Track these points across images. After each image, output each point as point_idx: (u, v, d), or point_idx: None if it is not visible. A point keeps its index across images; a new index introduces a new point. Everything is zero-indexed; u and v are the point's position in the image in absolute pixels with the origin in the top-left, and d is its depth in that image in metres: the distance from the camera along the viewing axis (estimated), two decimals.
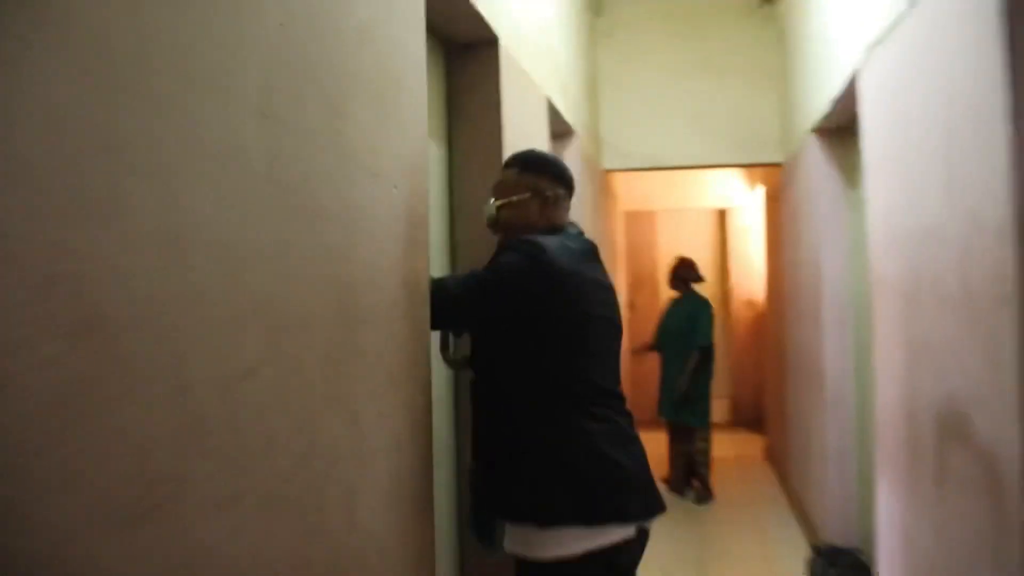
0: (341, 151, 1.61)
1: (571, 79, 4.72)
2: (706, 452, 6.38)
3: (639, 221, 9.32)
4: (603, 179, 6.36)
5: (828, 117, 4.46)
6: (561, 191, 2.37)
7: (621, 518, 2.08)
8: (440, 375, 2.68)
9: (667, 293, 8.85)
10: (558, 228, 2.33)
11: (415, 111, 2.02)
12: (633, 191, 8.82)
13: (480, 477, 2.24)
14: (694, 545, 5.28)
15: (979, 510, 2.26)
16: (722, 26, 6.33)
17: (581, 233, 2.40)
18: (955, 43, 2.37)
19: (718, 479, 6.89)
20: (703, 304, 6.40)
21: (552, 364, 2.14)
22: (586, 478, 2.07)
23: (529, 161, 2.38)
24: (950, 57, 2.41)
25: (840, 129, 4.67)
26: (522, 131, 3.35)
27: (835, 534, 4.72)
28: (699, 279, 6.58)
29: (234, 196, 1.26)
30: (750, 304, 8.95)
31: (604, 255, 6.38)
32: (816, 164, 4.89)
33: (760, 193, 8.18)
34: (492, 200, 2.36)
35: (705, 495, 6.34)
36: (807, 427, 5.45)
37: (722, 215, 9.44)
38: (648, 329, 8.78)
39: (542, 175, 2.35)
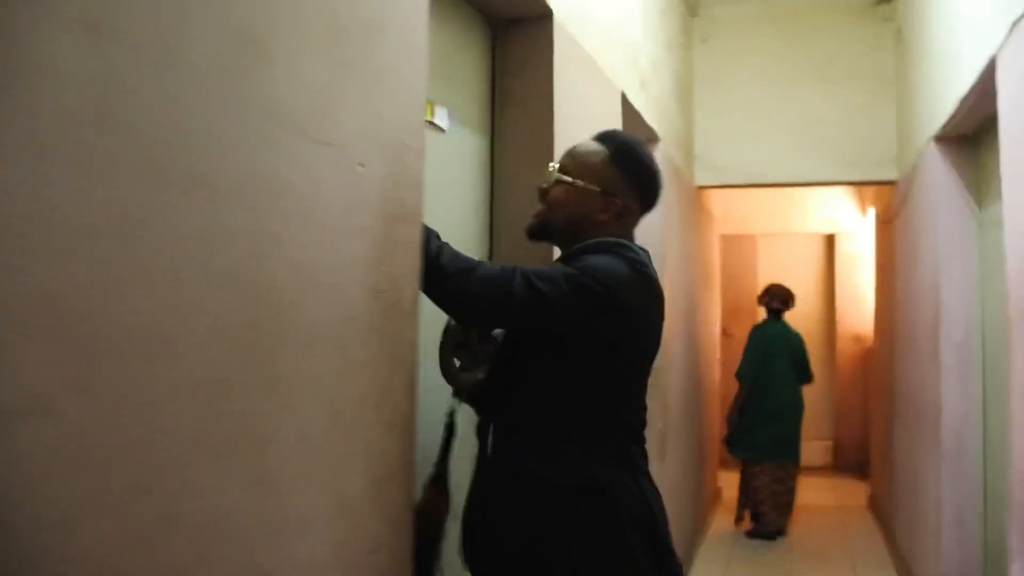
0: (254, 103, 1.13)
1: (655, 78, 4.17)
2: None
3: (738, 245, 8.66)
4: (695, 197, 5.77)
5: (953, 121, 3.80)
6: (635, 207, 1.85)
7: None
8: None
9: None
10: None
11: (405, 70, 1.53)
12: (732, 213, 8.16)
13: (478, 521, 1.77)
14: None
15: None
16: (832, 28, 5.67)
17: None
18: None
19: (813, 530, 6.19)
20: (797, 333, 6.18)
21: (619, 398, 1.75)
22: (653, 533, 1.73)
23: (627, 154, 1.85)
24: None
25: (967, 137, 3.99)
26: (584, 126, 2.83)
27: None
28: (788, 307, 6.28)
29: (27, 144, 0.80)
30: (858, 339, 8.17)
31: (697, 280, 5.88)
32: (937, 178, 4.21)
33: (871, 216, 7.44)
34: (555, 166, 1.85)
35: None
36: (917, 480, 4.73)
37: (829, 241, 8.70)
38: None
39: (627, 177, 1.82)
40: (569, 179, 1.80)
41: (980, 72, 3.13)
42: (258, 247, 1.14)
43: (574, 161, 1.83)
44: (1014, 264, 2.74)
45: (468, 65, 2.39)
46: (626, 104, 3.50)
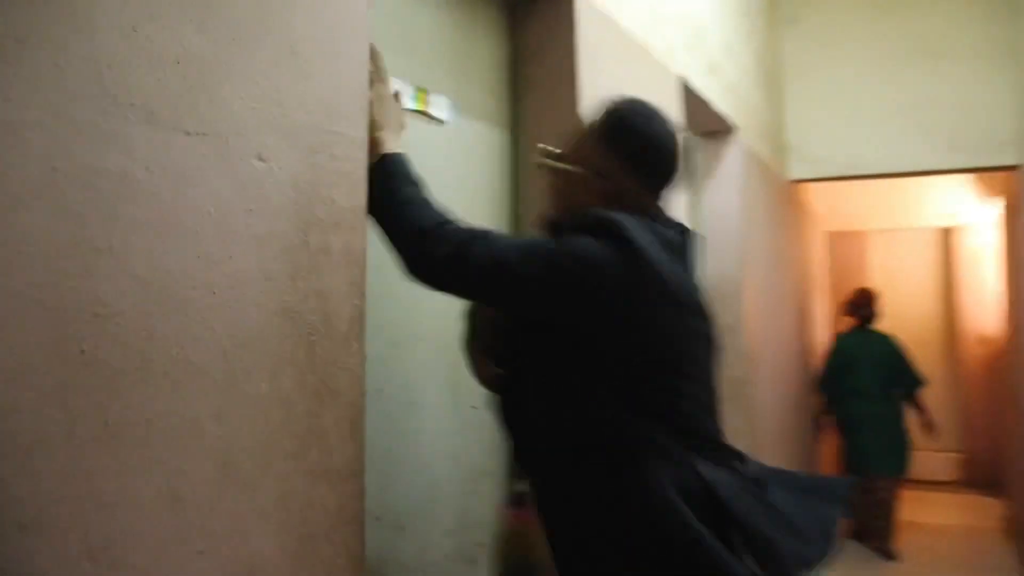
0: (82, 82, 0.88)
1: (729, 62, 3.79)
2: None
3: (845, 243, 8.05)
4: (788, 191, 5.32)
5: None
6: (636, 186, 1.47)
7: None
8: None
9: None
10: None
11: (332, 38, 1.26)
12: (838, 209, 7.60)
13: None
14: None
15: None
16: (937, 0, 5.14)
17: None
18: None
19: (934, 554, 5.64)
20: (884, 338, 5.69)
21: (623, 404, 1.35)
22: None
23: (616, 126, 1.50)
24: None
25: None
26: None
27: None
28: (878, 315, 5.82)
29: None
30: (984, 340, 7.47)
31: (793, 282, 5.42)
32: None
33: (997, 205, 6.78)
34: (563, 164, 1.52)
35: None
36: None
37: (947, 235, 8.01)
38: None
39: (617, 152, 1.47)
40: (549, 161, 1.51)
41: None
42: (79, 262, 0.89)
43: (566, 144, 1.53)
44: None
45: (480, 50, 2.11)
46: (688, 91, 3.14)
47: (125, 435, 0.94)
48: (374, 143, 1.47)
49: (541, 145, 1.52)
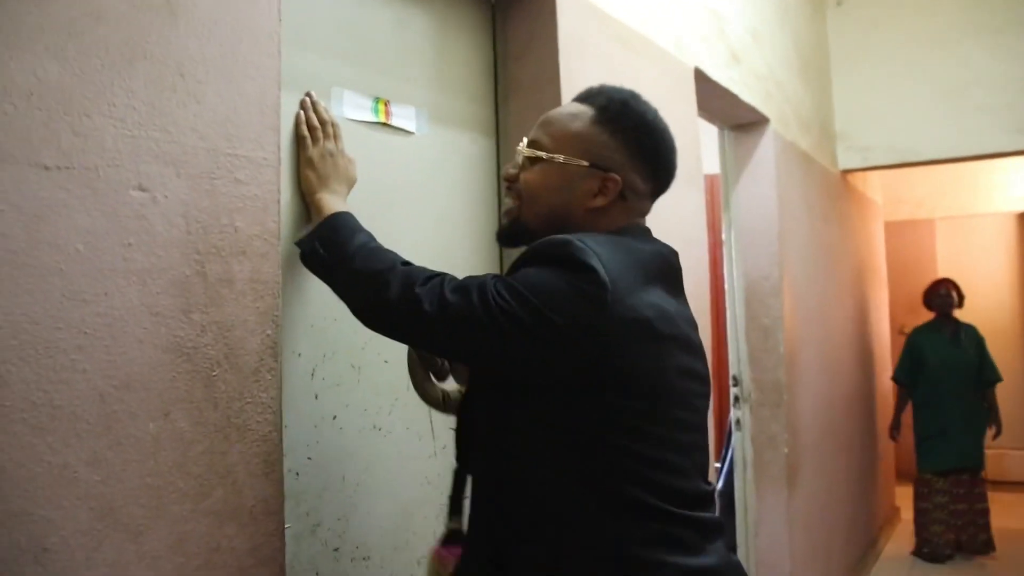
0: None
1: (756, 49, 3.62)
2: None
3: (911, 232, 7.71)
4: (838, 182, 5.11)
5: None
6: (641, 182, 1.33)
7: None
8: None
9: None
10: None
11: (233, 52, 1.20)
12: (900, 196, 7.30)
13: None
14: None
15: None
16: None
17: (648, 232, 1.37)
18: None
19: (1016, 559, 5.36)
20: (979, 334, 5.55)
21: (603, 457, 1.18)
22: None
23: (618, 110, 1.32)
24: None
25: None
26: None
27: None
28: (961, 304, 5.63)
29: None
30: None
31: (855, 276, 5.19)
32: None
33: None
34: (524, 141, 1.37)
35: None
36: None
37: (1023, 220, 7.63)
38: None
39: (624, 141, 1.30)
40: (544, 154, 1.32)
41: None
42: None
43: (549, 131, 1.34)
44: None
45: (457, 53, 2.03)
46: (706, 82, 3.01)
47: None
48: (317, 205, 1.42)
49: (521, 145, 1.36)
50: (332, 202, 1.42)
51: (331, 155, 1.49)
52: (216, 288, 1.15)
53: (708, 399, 1.34)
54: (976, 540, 5.31)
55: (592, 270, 1.14)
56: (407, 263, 1.28)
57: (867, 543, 5.27)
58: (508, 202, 1.39)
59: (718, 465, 3.73)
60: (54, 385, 0.97)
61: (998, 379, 5.45)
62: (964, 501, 5.31)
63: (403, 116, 1.83)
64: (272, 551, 1.21)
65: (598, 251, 1.17)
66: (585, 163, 1.29)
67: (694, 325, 1.33)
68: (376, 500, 1.66)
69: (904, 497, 6.51)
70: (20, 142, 0.95)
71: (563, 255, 1.17)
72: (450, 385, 1.56)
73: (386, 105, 1.79)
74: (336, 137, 1.52)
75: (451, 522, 1.47)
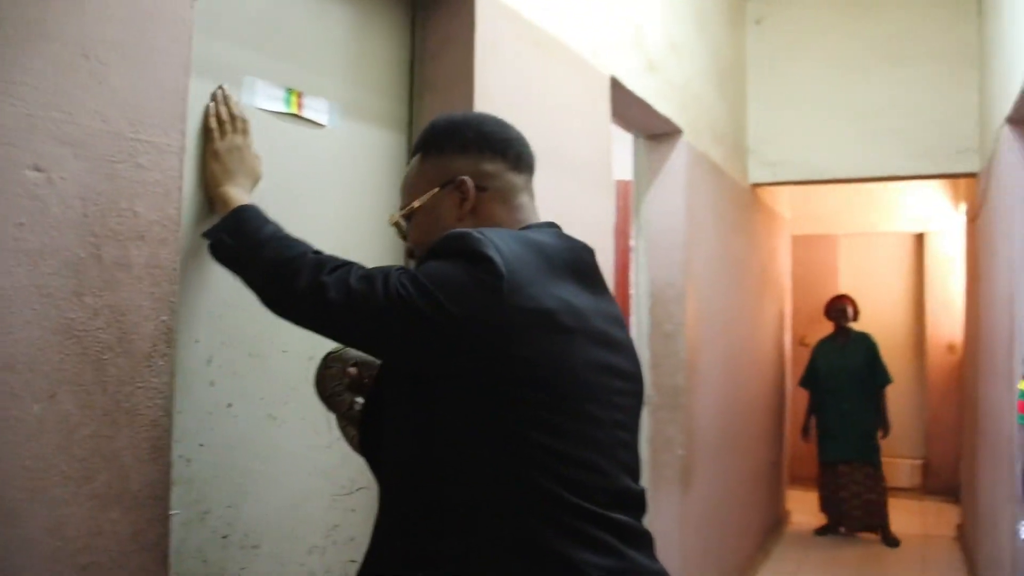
0: None
1: (674, 60, 3.71)
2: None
3: (815, 247, 7.99)
4: (747, 195, 5.26)
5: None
6: (508, 173, 1.39)
7: None
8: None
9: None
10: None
11: (139, 44, 1.19)
12: (807, 212, 7.53)
13: None
14: None
15: None
16: (905, 2, 5.07)
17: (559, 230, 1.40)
18: None
19: (888, 563, 5.63)
20: (871, 341, 6.28)
21: (512, 449, 1.19)
22: None
23: (432, 134, 1.43)
24: None
25: None
26: (544, 115, 2.45)
27: None
28: (856, 317, 6.40)
29: None
30: (952, 348, 7.43)
31: (751, 287, 5.37)
32: (1013, 167, 3.64)
33: (962, 212, 6.74)
34: (395, 216, 1.45)
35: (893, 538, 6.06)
36: (996, 516, 4.13)
37: (920, 240, 7.96)
38: None
39: (452, 148, 1.39)
40: (405, 210, 1.41)
41: None
42: None
43: (406, 192, 1.44)
44: None
45: (375, 50, 2.04)
46: (622, 91, 3.07)
47: None
48: (222, 198, 1.43)
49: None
50: (238, 195, 1.43)
51: (238, 149, 1.50)
52: (112, 272, 1.15)
53: (637, 397, 1.36)
54: (872, 523, 6.02)
55: (489, 260, 1.17)
56: (317, 252, 1.29)
57: (757, 544, 5.45)
58: (403, 231, 1.45)
59: None
60: None
61: (888, 381, 6.16)
62: (857, 489, 6.02)
63: (315, 108, 1.83)
64: (156, 536, 1.21)
65: (497, 242, 1.19)
66: (436, 189, 1.37)
67: (618, 322, 1.35)
68: (268, 489, 1.67)
69: (794, 500, 6.77)
70: None
71: (462, 247, 1.20)
72: (346, 401, 1.56)
73: (299, 97, 1.79)
74: (244, 132, 1.53)
75: None
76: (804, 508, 6.66)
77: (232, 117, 1.51)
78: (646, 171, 3.89)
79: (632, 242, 3.95)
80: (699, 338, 4.03)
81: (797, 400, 6.78)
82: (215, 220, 1.39)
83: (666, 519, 3.73)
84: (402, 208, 1.42)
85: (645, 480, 3.71)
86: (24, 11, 1.05)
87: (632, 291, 3.94)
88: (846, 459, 6.02)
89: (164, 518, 1.23)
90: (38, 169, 1.06)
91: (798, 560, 5.63)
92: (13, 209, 1.03)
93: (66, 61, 1.10)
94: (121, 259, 1.16)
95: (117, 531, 1.16)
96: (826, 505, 6.19)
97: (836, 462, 6.06)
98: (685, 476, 3.79)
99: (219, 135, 1.48)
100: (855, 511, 6.04)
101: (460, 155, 1.38)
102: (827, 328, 6.52)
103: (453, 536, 1.20)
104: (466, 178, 1.35)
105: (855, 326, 6.34)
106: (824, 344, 6.37)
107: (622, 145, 3.68)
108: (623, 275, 3.96)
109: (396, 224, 1.44)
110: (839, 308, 6.31)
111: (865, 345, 6.21)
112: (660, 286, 3.87)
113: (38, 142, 1.06)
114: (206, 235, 1.36)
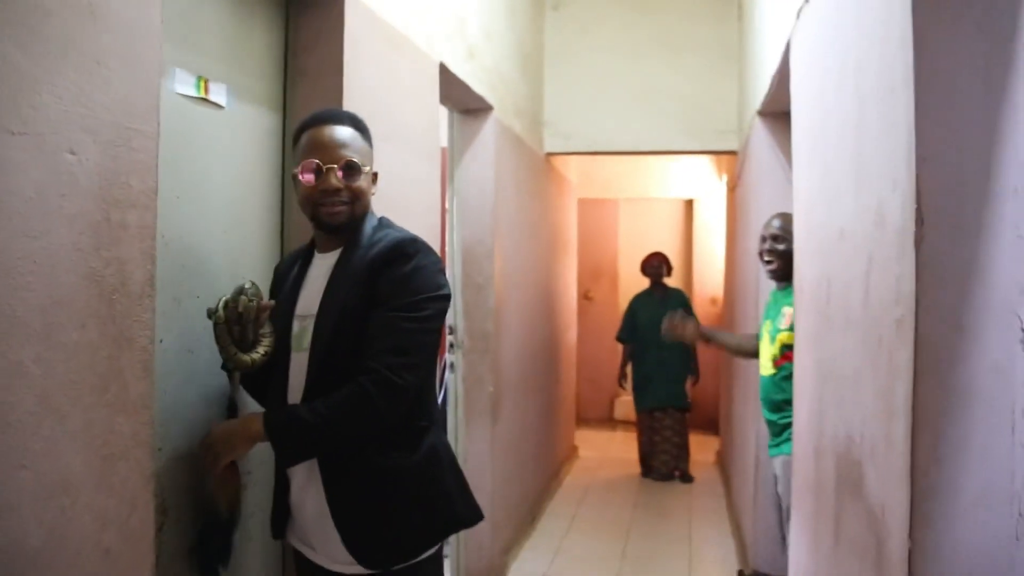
0: None
1: (488, 47, 4.20)
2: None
3: (598, 210, 8.81)
4: (543, 163, 5.86)
5: (769, 97, 3.97)
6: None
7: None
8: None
9: (629, 285, 8.40)
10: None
11: (131, 53, 1.52)
12: (593, 178, 8.31)
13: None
14: (615, 556, 4.82)
15: None
16: (680, 1, 5.81)
17: None
18: None
19: (660, 486, 6.50)
20: (684, 294, 6.96)
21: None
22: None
23: (364, 126, 2.06)
24: (860, 13, 1.93)
25: (785, 113, 4.17)
26: (389, 98, 2.85)
27: (765, 562, 4.26)
28: (670, 273, 6.92)
29: None
30: (713, 302, 8.47)
31: (545, 245, 5.99)
32: (761, 150, 4.40)
33: (724, 183, 7.70)
34: (352, 157, 1.94)
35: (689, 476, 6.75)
36: (742, 441, 4.99)
37: (689, 206, 8.95)
38: (608, 321, 8.36)
39: (371, 147, 2.08)
40: (366, 168, 1.96)
41: (782, 53, 3.28)
42: None
43: (354, 150, 1.95)
44: (798, 236, 2.91)
45: (257, 41, 2.37)
46: (447, 75, 3.52)
47: None
48: (246, 429, 1.91)
49: (346, 154, 1.93)
50: (251, 420, 1.91)
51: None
52: (116, 231, 1.48)
53: None
54: (680, 466, 6.67)
55: (431, 248, 1.93)
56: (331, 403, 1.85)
57: (552, 472, 6.14)
58: (341, 208, 1.93)
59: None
60: (15, 300, 1.28)
61: None
62: (668, 434, 6.65)
63: (217, 92, 2.16)
64: (146, 437, 1.57)
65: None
66: (373, 170, 2.01)
67: None
68: (190, 410, 2.02)
69: (580, 439, 7.54)
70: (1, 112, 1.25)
71: (419, 247, 1.91)
72: (255, 353, 1.96)
73: (206, 83, 2.12)
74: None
75: None
76: (589, 445, 7.48)
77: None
78: (460, 143, 4.36)
79: (447, 205, 4.41)
80: (505, 290, 4.58)
81: (583, 348, 7.54)
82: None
83: (479, 447, 4.27)
84: (361, 163, 1.94)
85: (460, 414, 4.23)
86: (60, 28, 1.36)
87: (447, 248, 4.41)
88: (662, 406, 6.61)
89: (151, 423, 1.58)
90: (72, 152, 1.38)
91: (586, 485, 6.40)
92: (57, 184, 1.36)
93: (86, 68, 1.42)
94: (122, 221, 1.50)
95: (123, 431, 1.51)
96: (644, 451, 6.79)
97: (653, 409, 6.63)
98: (494, 409, 4.34)
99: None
100: (666, 455, 6.66)
101: (371, 152, 2.03)
102: (609, 285, 7.28)
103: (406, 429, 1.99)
104: (377, 173, 2.03)
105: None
106: (641, 297, 6.85)
107: (439, 119, 4.13)
108: (441, 234, 4.43)
109: (351, 164, 1.92)
110: (654, 265, 6.79)
111: (680, 299, 6.73)
112: (471, 244, 4.37)
113: (71, 131, 1.38)
114: (288, 465, 1.97)
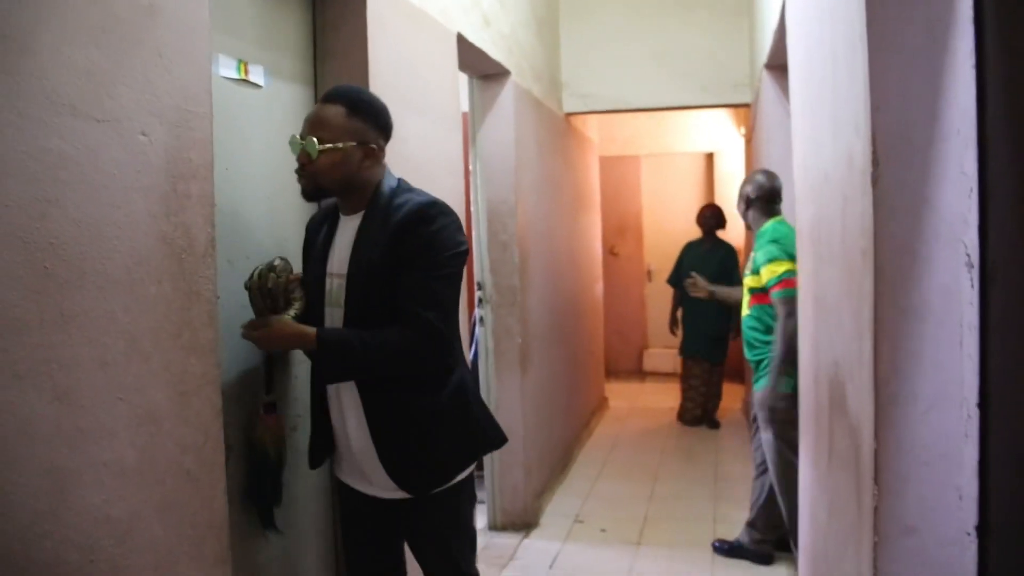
0: (27, 92, 1.37)
1: (503, 14, 4.40)
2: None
3: (621, 166, 8.98)
4: (563, 123, 6.05)
5: (773, 50, 4.14)
6: (383, 144, 2.26)
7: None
8: None
9: (653, 239, 8.61)
10: (374, 184, 2.24)
11: (186, 46, 1.77)
12: (614, 136, 8.48)
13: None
14: (643, 497, 5.08)
15: (850, 492, 2.02)
16: None
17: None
18: None
19: (688, 433, 6.75)
20: (733, 249, 6.89)
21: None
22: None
23: (359, 103, 2.20)
24: None
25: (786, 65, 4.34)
26: (412, 71, 3.08)
27: None
28: (723, 225, 6.95)
29: None
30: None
31: (568, 203, 6.22)
32: (770, 103, 4.58)
33: (741, 135, 7.84)
34: (311, 138, 2.13)
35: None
36: None
37: (710, 159, 9.09)
38: (633, 276, 8.58)
39: (370, 122, 2.20)
40: (330, 146, 2.12)
41: (780, 9, 3.46)
42: (38, 210, 1.39)
43: (325, 127, 2.13)
44: (796, 182, 3.11)
45: (288, 24, 2.61)
46: (465, 44, 3.73)
47: (73, 321, 1.46)
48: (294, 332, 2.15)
49: (311, 139, 2.12)
50: (301, 328, 2.16)
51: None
52: (181, 200, 1.74)
53: None
54: (709, 418, 6.85)
55: (450, 208, 2.15)
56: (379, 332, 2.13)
57: (583, 422, 6.40)
58: (303, 182, 2.21)
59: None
60: (106, 260, 1.53)
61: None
62: (696, 382, 6.84)
63: (256, 73, 2.40)
64: (214, 376, 1.83)
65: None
66: (353, 143, 2.16)
67: None
68: (238, 350, 2.29)
69: (611, 391, 7.79)
70: (84, 103, 1.49)
71: (439, 209, 2.14)
72: (286, 315, 2.21)
73: (245, 65, 2.36)
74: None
75: (268, 396, 2.24)
76: (619, 396, 7.73)
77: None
78: (480, 107, 4.58)
79: (471, 167, 4.64)
80: (528, 246, 4.81)
81: (610, 303, 7.75)
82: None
83: (510, 396, 4.54)
84: (320, 141, 2.12)
85: (491, 364, 4.49)
86: (128, 27, 1.60)
87: (472, 208, 4.65)
88: (693, 356, 6.80)
89: (217, 365, 1.85)
90: (144, 134, 1.63)
91: (616, 434, 6.66)
92: (134, 162, 1.61)
93: (150, 60, 1.66)
94: (186, 192, 1.75)
95: (194, 371, 1.77)
96: (685, 396, 6.97)
97: (687, 357, 6.85)
98: (523, 360, 4.60)
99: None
100: (698, 402, 6.88)
101: (374, 129, 2.21)
102: (634, 241, 7.45)
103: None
104: (375, 146, 2.19)
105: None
106: (691, 245, 7.00)
107: (460, 84, 4.34)
108: (465, 195, 4.66)
109: (305, 146, 2.12)
110: (706, 216, 6.93)
111: (723, 252, 6.80)
112: (495, 203, 4.60)
113: (143, 116, 1.63)
114: (326, 382, 2.25)
